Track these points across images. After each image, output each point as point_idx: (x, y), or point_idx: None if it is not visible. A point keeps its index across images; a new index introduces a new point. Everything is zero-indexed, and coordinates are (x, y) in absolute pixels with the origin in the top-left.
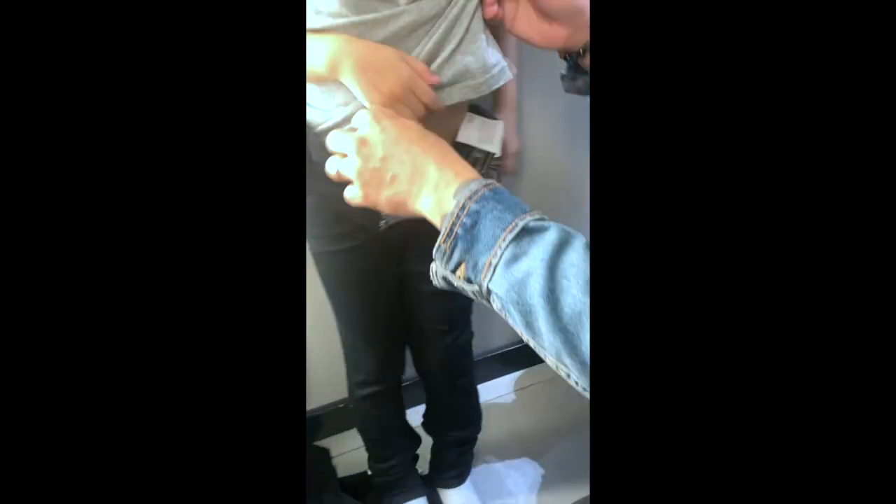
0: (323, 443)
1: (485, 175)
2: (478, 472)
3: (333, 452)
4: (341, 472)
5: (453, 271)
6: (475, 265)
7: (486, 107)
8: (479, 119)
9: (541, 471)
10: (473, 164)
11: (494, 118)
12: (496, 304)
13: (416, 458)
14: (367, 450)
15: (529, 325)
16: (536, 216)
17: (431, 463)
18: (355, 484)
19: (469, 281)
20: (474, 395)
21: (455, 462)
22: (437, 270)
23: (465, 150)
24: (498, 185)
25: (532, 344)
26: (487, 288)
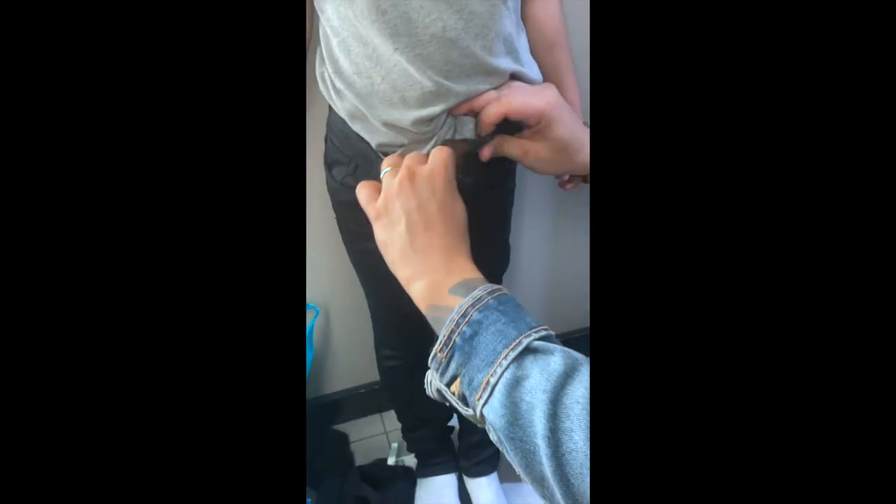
0: (342, 427)
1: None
2: (506, 475)
3: (352, 438)
4: (359, 458)
5: (448, 385)
6: (471, 382)
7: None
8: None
9: None
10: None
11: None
12: (493, 436)
13: (451, 430)
14: (399, 419)
15: (530, 467)
16: (542, 333)
17: (459, 449)
18: (373, 472)
19: (464, 401)
20: None
21: (480, 444)
22: (432, 381)
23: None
24: (505, 293)
25: (536, 491)
26: (482, 414)
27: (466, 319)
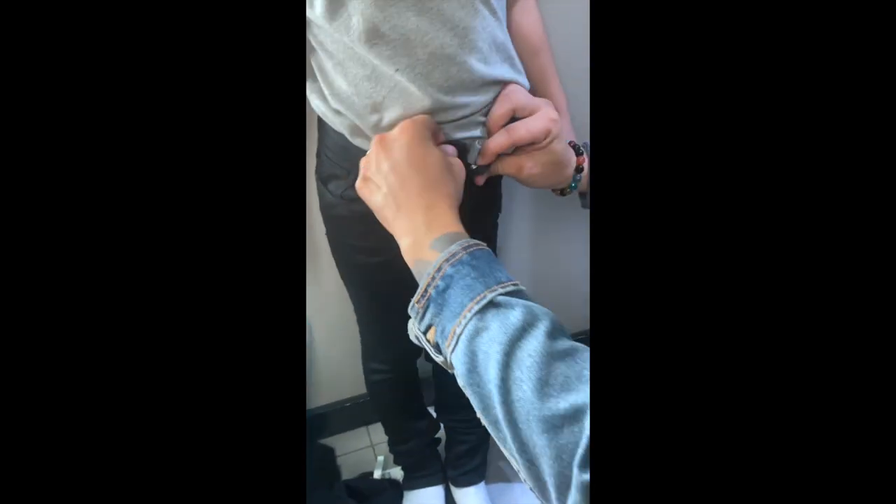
0: (328, 441)
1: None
2: (494, 476)
3: (338, 451)
4: (346, 472)
5: (424, 333)
6: (443, 331)
7: None
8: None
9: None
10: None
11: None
12: (459, 381)
13: (438, 441)
14: (386, 433)
15: (486, 411)
16: (509, 288)
17: (446, 460)
18: (360, 486)
19: (437, 349)
20: None
21: (468, 453)
22: (412, 328)
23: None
24: (482, 247)
25: (492, 433)
26: (451, 361)
27: (441, 273)
